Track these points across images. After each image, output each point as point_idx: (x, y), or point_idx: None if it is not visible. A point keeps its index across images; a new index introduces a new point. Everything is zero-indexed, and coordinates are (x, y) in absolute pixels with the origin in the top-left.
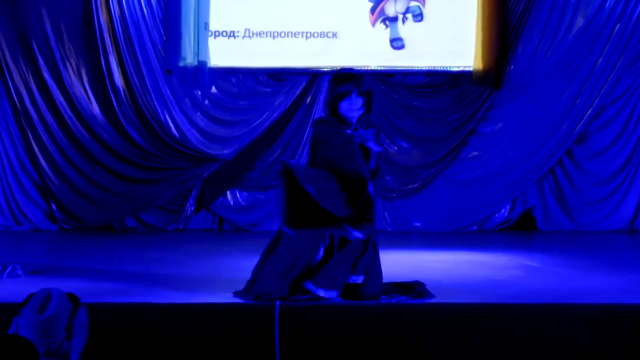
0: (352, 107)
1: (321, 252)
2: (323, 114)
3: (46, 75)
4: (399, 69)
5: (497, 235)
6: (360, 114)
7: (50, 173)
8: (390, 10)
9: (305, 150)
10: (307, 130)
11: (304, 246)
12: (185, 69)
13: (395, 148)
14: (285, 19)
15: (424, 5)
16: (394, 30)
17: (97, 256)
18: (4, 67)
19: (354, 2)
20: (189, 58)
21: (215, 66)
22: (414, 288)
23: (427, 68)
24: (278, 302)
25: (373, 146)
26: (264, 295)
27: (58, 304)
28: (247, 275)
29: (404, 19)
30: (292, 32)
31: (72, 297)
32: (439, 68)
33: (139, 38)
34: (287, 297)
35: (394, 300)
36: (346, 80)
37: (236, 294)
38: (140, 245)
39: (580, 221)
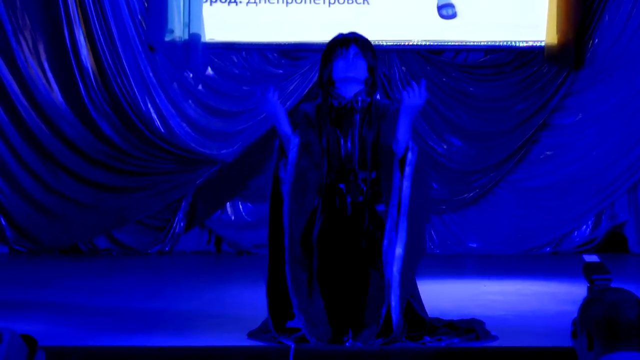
0: (350, 68)
1: None
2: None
3: None
4: (450, 44)
5: (577, 259)
6: (363, 80)
7: None
8: None
9: None
10: None
11: None
12: (172, 44)
13: (445, 147)
14: None
15: None
16: None
17: (58, 286)
18: None
19: None
20: (177, 31)
21: (211, 41)
22: (469, 328)
23: (486, 43)
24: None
25: None
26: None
27: (10, 347)
28: (254, 310)
29: None
30: None
31: (28, 339)
32: (501, 43)
33: (114, 5)
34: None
35: (442, 344)
36: (342, 40)
37: (251, 335)
38: (114, 272)
39: None
